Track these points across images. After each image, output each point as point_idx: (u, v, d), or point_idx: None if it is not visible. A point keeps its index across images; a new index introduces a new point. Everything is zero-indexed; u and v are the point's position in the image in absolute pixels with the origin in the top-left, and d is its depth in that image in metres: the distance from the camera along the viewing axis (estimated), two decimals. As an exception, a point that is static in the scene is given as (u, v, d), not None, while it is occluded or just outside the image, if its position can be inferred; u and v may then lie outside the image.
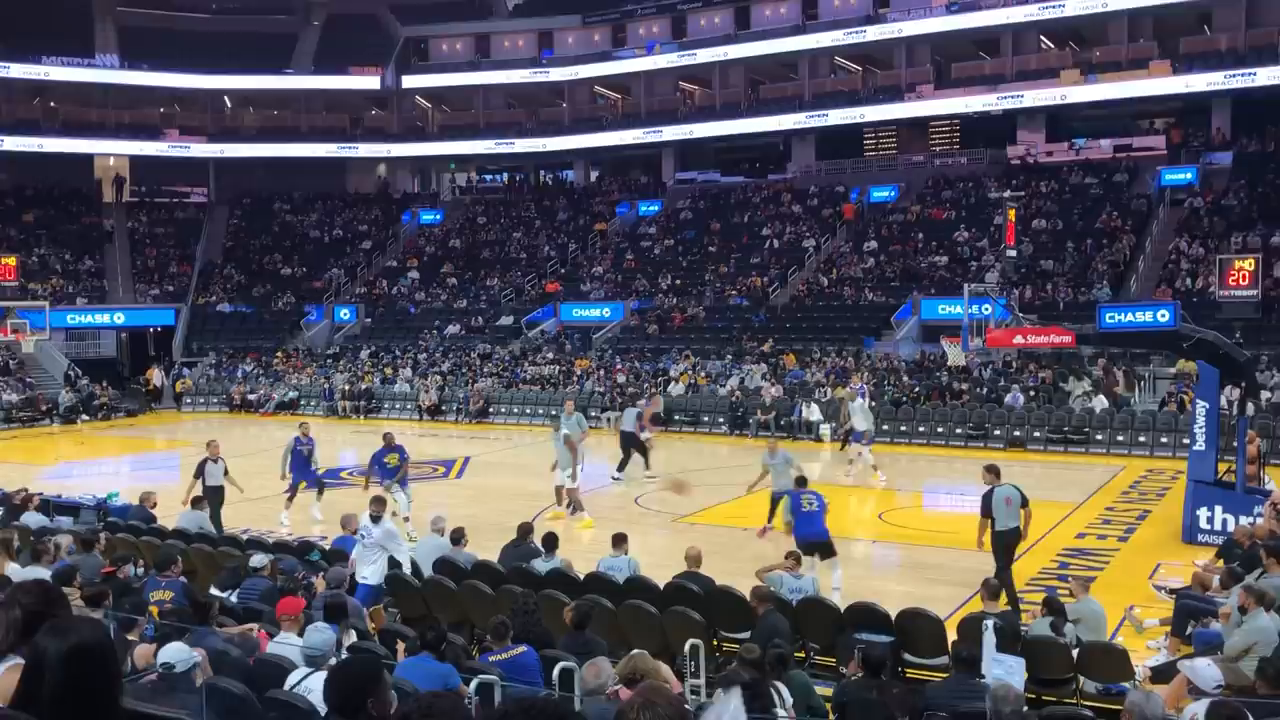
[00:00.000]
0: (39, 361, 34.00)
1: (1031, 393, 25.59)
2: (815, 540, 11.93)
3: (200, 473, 15.47)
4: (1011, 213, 28.74)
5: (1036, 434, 24.18)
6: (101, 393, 33.33)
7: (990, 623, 7.86)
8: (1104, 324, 27.69)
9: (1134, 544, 14.85)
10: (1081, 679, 8.23)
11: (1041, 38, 38.78)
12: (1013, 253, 29.54)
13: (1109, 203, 34.33)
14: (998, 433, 24.50)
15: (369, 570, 10.42)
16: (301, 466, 16.96)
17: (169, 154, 45.44)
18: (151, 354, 39.90)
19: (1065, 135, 39.00)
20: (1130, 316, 27.80)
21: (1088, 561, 13.56)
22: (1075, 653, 8.33)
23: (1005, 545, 11.47)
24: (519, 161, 49.31)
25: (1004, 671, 7.18)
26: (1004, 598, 10.02)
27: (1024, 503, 11.57)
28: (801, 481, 13.09)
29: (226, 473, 15.74)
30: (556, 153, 47.00)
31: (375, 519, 10.83)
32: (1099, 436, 23.68)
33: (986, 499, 11.52)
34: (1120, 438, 23.43)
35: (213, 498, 14.93)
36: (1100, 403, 24.30)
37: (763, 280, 35.39)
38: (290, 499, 16.71)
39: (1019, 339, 25.68)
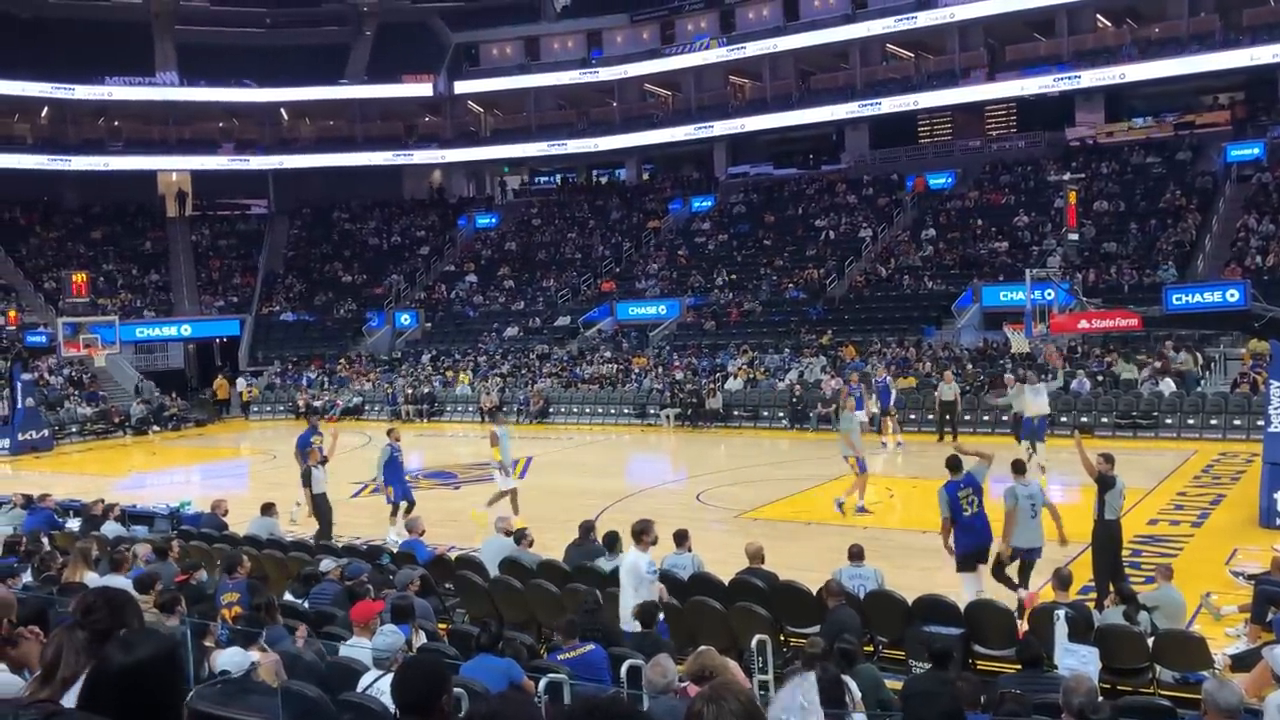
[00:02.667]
0: (110, 375, 34.83)
1: (1098, 378, 25.12)
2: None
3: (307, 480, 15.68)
4: (1072, 195, 28.33)
5: (1104, 420, 23.72)
6: (171, 404, 34.06)
7: (1062, 613, 7.75)
8: (1171, 305, 27.20)
9: (1209, 529, 14.52)
10: (1158, 668, 8.08)
11: (1098, 16, 38.04)
12: (1074, 236, 29.10)
13: (1172, 181, 33.61)
14: (1064, 419, 24.06)
15: None
16: (398, 475, 16.52)
17: (229, 167, 46.32)
18: (218, 364, 40.68)
19: (1125, 114, 38.25)
20: (1198, 297, 27.30)
21: (1161, 549, 13.29)
22: (1151, 641, 8.17)
23: (1115, 535, 10.91)
24: (571, 162, 49.52)
25: (1077, 661, 7.08)
26: (1074, 589, 9.80)
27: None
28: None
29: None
30: (608, 152, 47.11)
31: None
32: (1169, 421, 23.16)
33: (1110, 481, 10.80)
34: (1191, 421, 22.90)
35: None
36: (1168, 386, 23.77)
37: (819, 272, 35.17)
38: (396, 511, 16.06)
39: (1084, 324, 25.34)
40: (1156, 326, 26.41)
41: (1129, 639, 8.15)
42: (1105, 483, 10.78)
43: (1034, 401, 18.84)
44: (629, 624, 8.40)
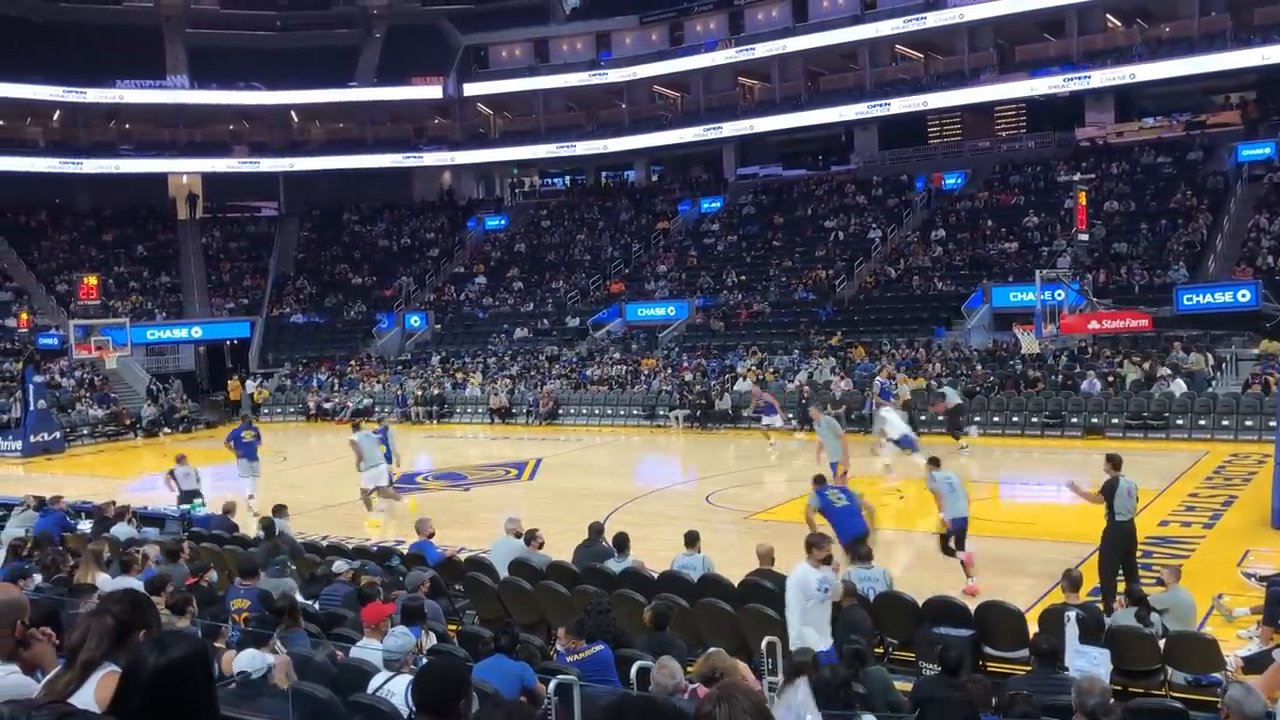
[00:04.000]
0: (121, 377, 34.95)
1: (1108, 379, 25.03)
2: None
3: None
4: (1082, 196, 28.28)
5: (1114, 421, 23.64)
6: (182, 405, 34.17)
7: (1072, 614, 7.73)
8: (1181, 306, 27.15)
9: (1220, 531, 14.46)
10: (1170, 670, 8.05)
11: (1108, 16, 37.94)
12: (1084, 236, 29.05)
13: (1183, 181, 33.50)
14: (1075, 421, 24.02)
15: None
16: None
17: (239, 170, 46.45)
18: (229, 366, 40.80)
19: (1136, 114, 38.15)
20: (1209, 297, 27.26)
21: (1172, 550, 13.24)
22: (1162, 643, 8.14)
23: (1125, 536, 10.86)
24: (580, 164, 49.57)
25: (1087, 663, 7.06)
26: (1084, 590, 9.78)
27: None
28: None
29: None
30: (617, 153, 47.14)
31: None
32: (1180, 422, 23.06)
33: (1111, 487, 10.89)
34: (1202, 422, 22.79)
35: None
36: (1180, 387, 23.68)
37: (828, 273, 35.13)
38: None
39: (1094, 324, 25.28)
40: (1167, 327, 26.34)
41: (1140, 641, 8.12)
42: (1108, 489, 10.84)
43: (892, 422, 19.05)
44: (797, 644, 7.72)
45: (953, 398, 24.14)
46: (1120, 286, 28.93)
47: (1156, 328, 25.73)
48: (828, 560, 8.49)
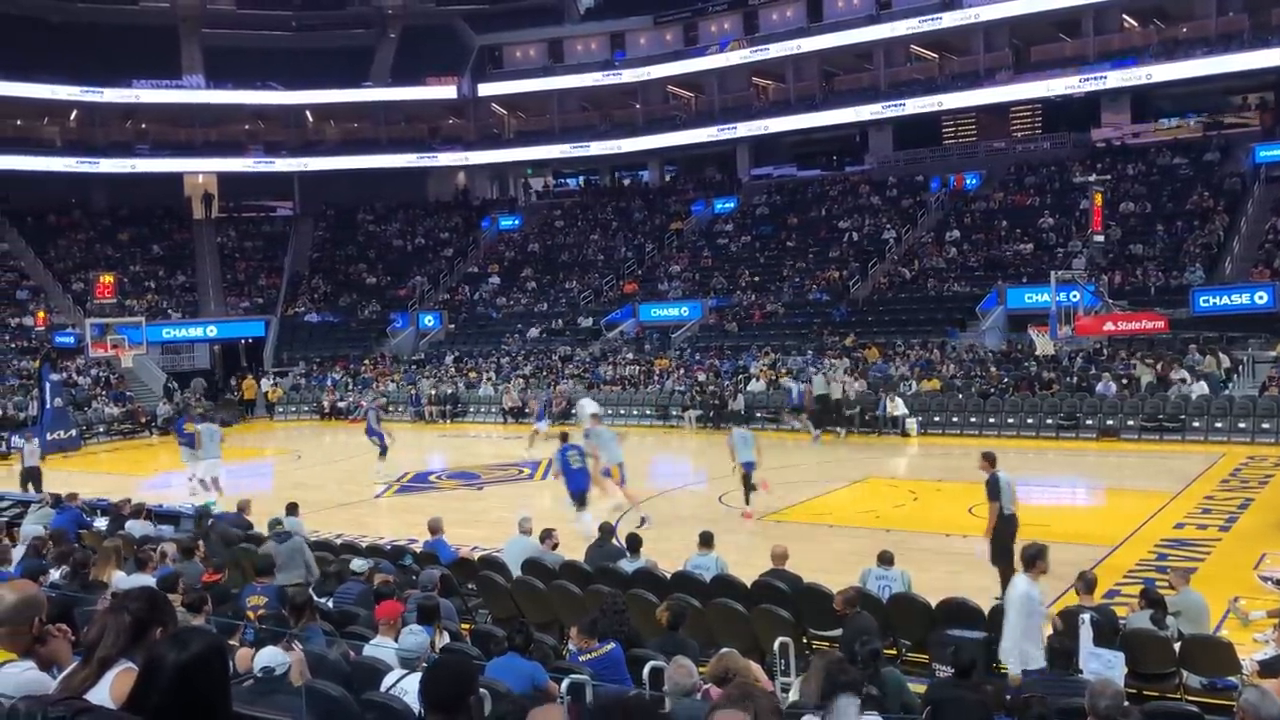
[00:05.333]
0: (137, 375, 35.12)
1: (1124, 381, 24.90)
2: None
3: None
4: (1098, 197, 28.21)
5: (1130, 423, 23.52)
6: (197, 404, 34.28)
7: (1087, 616, 7.69)
8: (1198, 307, 27.09)
9: (1236, 533, 14.38)
10: (1184, 673, 8.01)
11: (1124, 16, 37.76)
12: (1100, 238, 28.98)
13: (1200, 183, 33.33)
14: (1089, 423, 23.91)
15: None
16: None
17: (254, 169, 46.62)
18: (244, 365, 40.96)
19: (1152, 115, 37.97)
20: (1226, 299, 27.15)
21: (1188, 552, 13.17)
22: (1177, 646, 8.10)
23: (1013, 528, 11.43)
24: (594, 164, 49.61)
25: (1101, 665, 7.02)
26: (1099, 592, 9.76)
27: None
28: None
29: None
30: (631, 154, 47.14)
31: None
32: (1196, 424, 22.92)
33: (995, 484, 11.51)
34: (1219, 425, 22.65)
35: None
36: (1200, 388, 23.53)
37: (842, 274, 35.07)
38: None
39: (1109, 326, 25.22)
40: (1183, 329, 26.23)
41: (1155, 643, 8.08)
42: (993, 485, 11.55)
43: (607, 448, 17.24)
44: (1017, 662, 7.58)
45: (819, 387, 25.89)
46: (1136, 288, 28.80)
47: (1172, 330, 25.64)
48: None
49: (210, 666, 2.74)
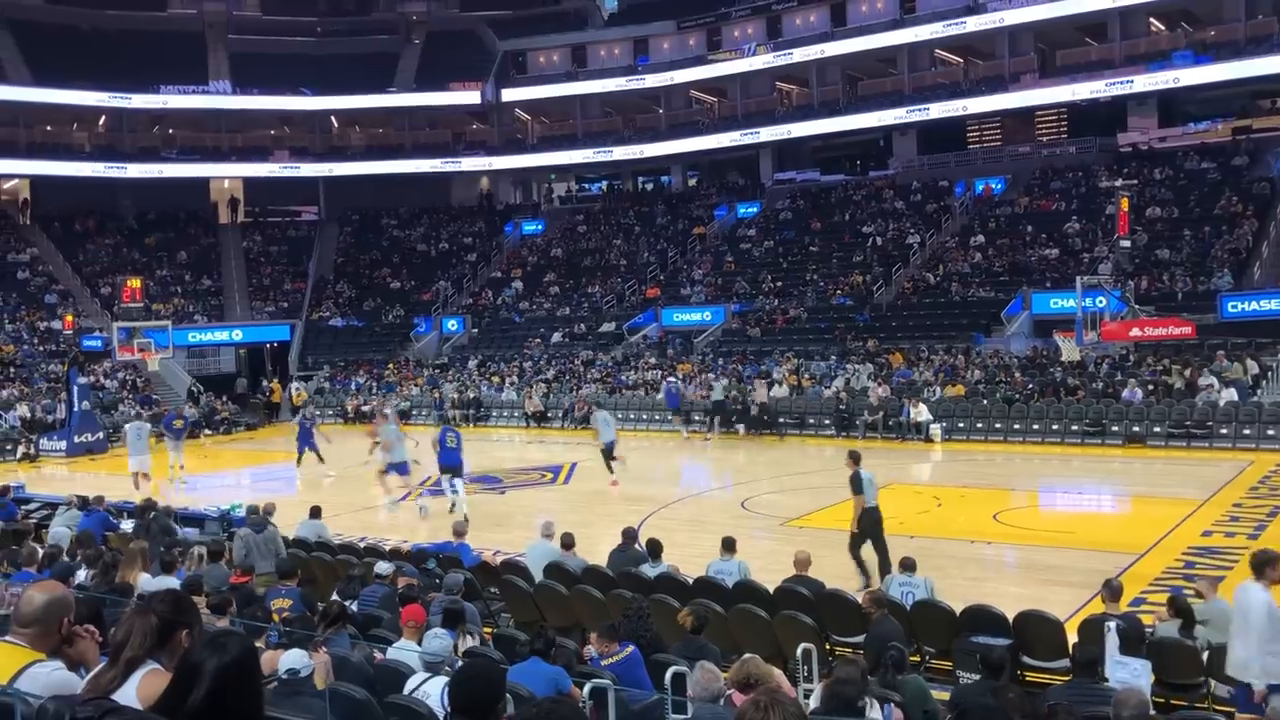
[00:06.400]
0: (163, 379, 35.40)
1: (1150, 387, 24.68)
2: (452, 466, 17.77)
3: None
4: (1124, 201, 28.00)
5: (1156, 429, 23.31)
6: (222, 408, 34.55)
7: (1113, 624, 7.63)
8: (1226, 313, 26.83)
9: (1265, 542, 14.16)
10: (1212, 683, 7.93)
11: (1151, 19, 37.51)
12: (1126, 243, 28.76)
13: (1228, 187, 33.01)
14: (1115, 429, 23.71)
15: None
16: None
17: (280, 174, 46.91)
18: (269, 369, 41.22)
19: (1180, 119, 37.65)
20: (1255, 305, 26.88)
21: (1216, 561, 13.04)
22: (1205, 655, 8.02)
23: (876, 520, 12.46)
24: (617, 169, 49.68)
25: (1128, 674, 6.97)
26: (1125, 600, 9.68)
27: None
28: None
29: None
30: (654, 159, 47.16)
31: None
32: (1224, 430, 22.69)
33: (857, 480, 12.54)
34: (1247, 431, 22.40)
35: None
36: (1229, 395, 23.28)
37: (866, 279, 34.95)
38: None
39: (1136, 331, 25.02)
40: (1211, 335, 26.00)
41: (1182, 652, 8.01)
42: (855, 481, 12.56)
43: (395, 449, 19.31)
44: (1248, 672, 7.08)
45: (718, 392, 27.71)
46: (1163, 293, 28.56)
47: (1200, 335, 25.40)
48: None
49: (247, 671, 2.76)
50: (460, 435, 18.60)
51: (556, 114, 49.02)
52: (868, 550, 12.35)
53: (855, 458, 12.94)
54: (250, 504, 14.80)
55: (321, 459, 23.63)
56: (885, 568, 11.68)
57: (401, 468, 19.10)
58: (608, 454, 20.16)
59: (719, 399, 27.91)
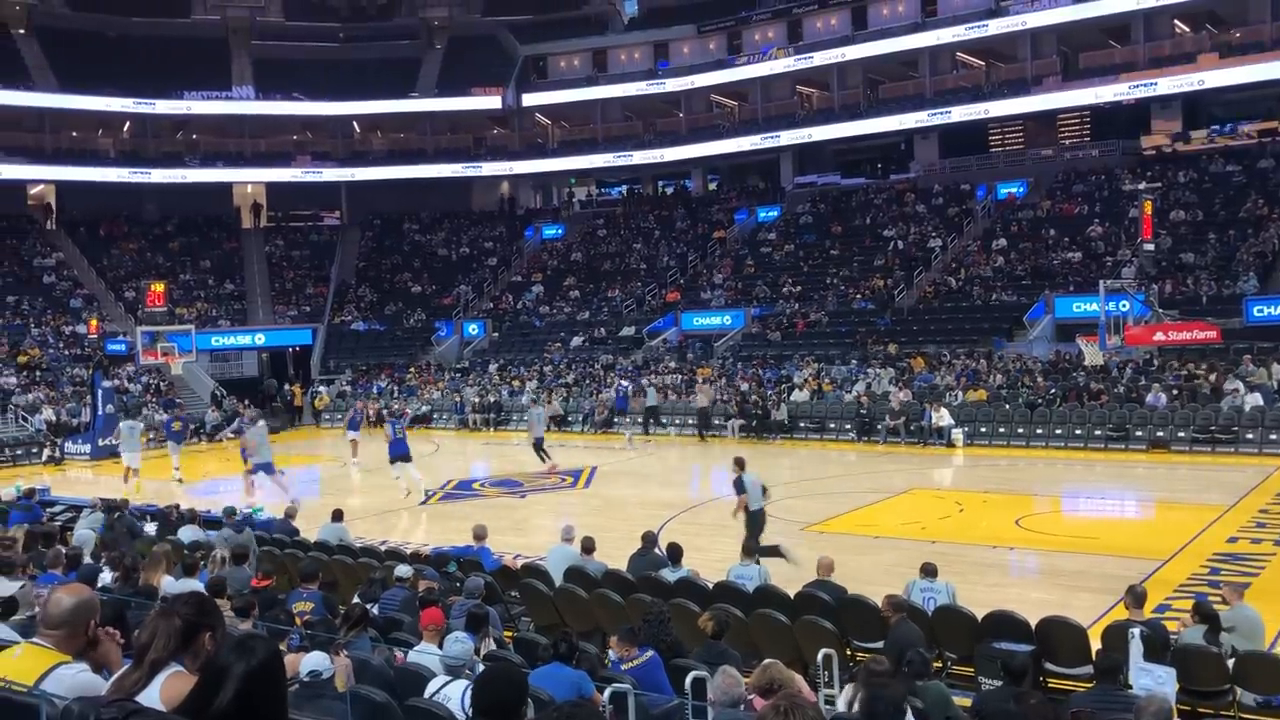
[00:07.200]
0: (186, 383, 35.64)
1: (1174, 391, 24.47)
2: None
3: None
4: (1148, 205, 27.77)
5: (1181, 434, 23.11)
6: (245, 411, 34.69)
7: (1137, 631, 7.57)
8: (1251, 317, 26.59)
9: (1292, 548, 14.09)
10: (1238, 690, 7.85)
11: (1175, 21, 37.24)
12: (1150, 246, 28.53)
13: (1254, 190, 32.75)
14: (1139, 434, 23.52)
15: None
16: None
17: (302, 179, 47.17)
18: (291, 373, 41.43)
19: (1204, 122, 37.36)
20: (1281, 309, 26.61)
21: (1241, 567, 12.92)
22: (1230, 663, 7.95)
23: (759, 521, 13.38)
24: (637, 173, 49.72)
25: (1153, 681, 6.91)
26: (1149, 606, 9.60)
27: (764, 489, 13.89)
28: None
29: None
30: (674, 162, 47.21)
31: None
32: (1249, 436, 22.48)
33: (739, 483, 13.50)
34: (1273, 436, 22.19)
35: None
36: (1253, 399, 23.08)
37: (887, 282, 34.83)
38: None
39: (1159, 336, 24.82)
40: (1236, 339, 25.78)
41: (1208, 659, 7.93)
42: (738, 484, 13.46)
43: (261, 450, 21.30)
44: None
45: (652, 398, 29.57)
46: (1188, 297, 28.35)
47: (1225, 340, 25.19)
48: None
49: (273, 675, 2.76)
50: (403, 427, 21.12)
51: (577, 118, 49.10)
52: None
53: (740, 463, 13.92)
54: (228, 506, 14.84)
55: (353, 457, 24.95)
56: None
57: (267, 468, 20.82)
58: (538, 447, 23.26)
59: (651, 405, 29.66)
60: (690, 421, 29.52)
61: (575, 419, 31.54)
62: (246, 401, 35.94)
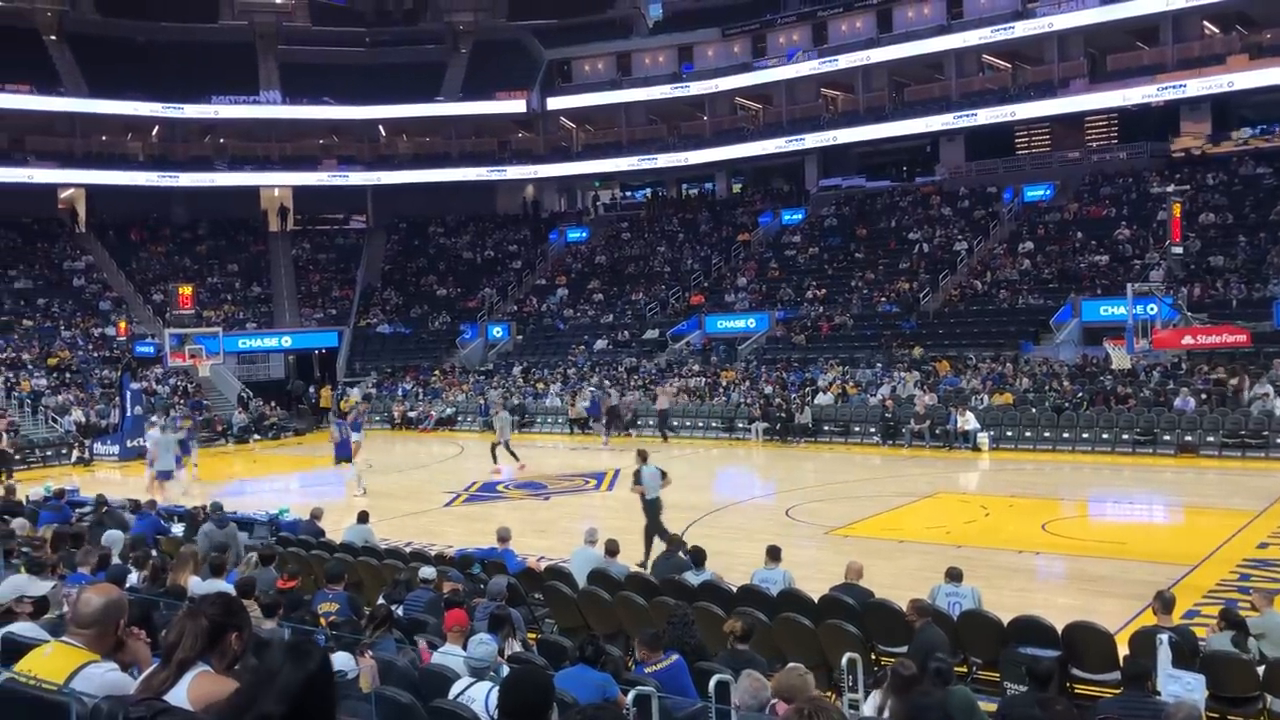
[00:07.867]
0: (214, 385, 35.92)
1: (1203, 396, 24.23)
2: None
3: None
4: (1177, 207, 27.52)
5: (1209, 439, 22.88)
6: (271, 413, 34.97)
7: (1165, 637, 7.51)
8: (1282, 321, 26.22)
9: (1323, 554, 13.92)
10: (1269, 698, 7.76)
11: (1205, 22, 36.88)
12: (1178, 249, 28.26)
13: (1285, 192, 32.40)
14: (1167, 438, 23.32)
15: None
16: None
17: (329, 183, 47.48)
18: (317, 375, 41.68)
19: (1234, 124, 36.98)
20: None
21: (1272, 573, 12.77)
22: (1260, 670, 7.86)
23: (657, 510, 14.42)
24: (661, 176, 49.71)
25: (1181, 688, 6.85)
26: (1178, 613, 9.51)
27: (663, 475, 14.90)
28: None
29: None
30: (698, 165, 47.19)
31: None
32: (1279, 440, 22.23)
33: (638, 475, 14.70)
34: (1304, 441, 21.96)
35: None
36: (1281, 404, 22.83)
37: (912, 285, 34.67)
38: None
39: (1188, 339, 24.57)
40: (1267, 343, 25.50)
41: (1237, 666, 7.85)
42: (637, 476, 14.73)
43: (163, 457, 22.62)
44: None
45: (613, 399, 30.50)
46: (1217, 300, 28.07)
47: (1255, 343, 24.92)
48: None
49: (329, 680, 2.77)
50: (351, 435, 22.54)
51: (601, 122, 49.17)
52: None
53: (643, 456, 15.19)
54: (215, 501, 14.89)
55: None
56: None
57: (167, 475, 22.04)
58: (505, 446, 24.43)
59: (612, 405, 30.60)
60: (714, 425, 29.50)
61: (599, 422, 31.53)
62: (273, 403, 36.21)
